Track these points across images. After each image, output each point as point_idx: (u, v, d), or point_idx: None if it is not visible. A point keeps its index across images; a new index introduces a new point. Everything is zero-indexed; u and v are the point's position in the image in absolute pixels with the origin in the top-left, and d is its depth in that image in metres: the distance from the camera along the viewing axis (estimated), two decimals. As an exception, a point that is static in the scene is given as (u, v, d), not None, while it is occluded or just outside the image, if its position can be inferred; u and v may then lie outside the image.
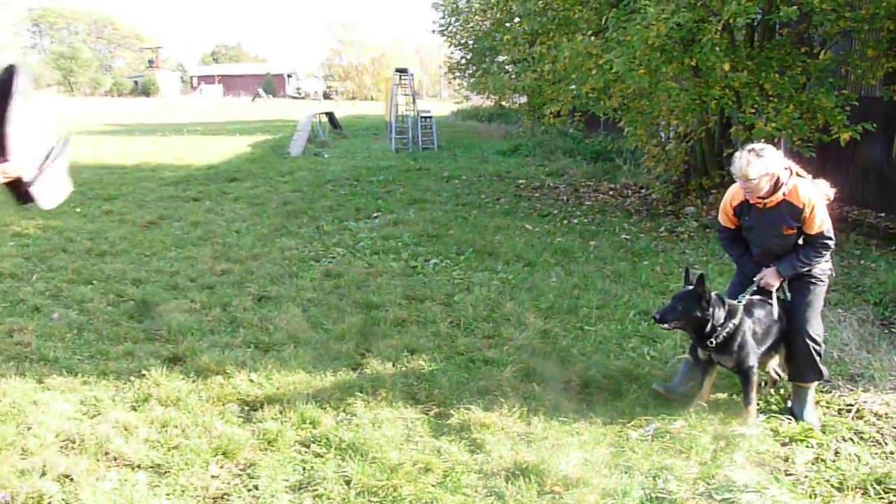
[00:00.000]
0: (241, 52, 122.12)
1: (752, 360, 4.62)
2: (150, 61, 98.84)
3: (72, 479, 3.89)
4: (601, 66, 9.61)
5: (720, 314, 4.52)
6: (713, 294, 4.54)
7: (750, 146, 4.53)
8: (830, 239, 4.60)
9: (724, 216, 4.89)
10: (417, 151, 19.84)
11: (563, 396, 4.94)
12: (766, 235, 4.70)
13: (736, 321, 4.55)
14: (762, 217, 4.65)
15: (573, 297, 6.97)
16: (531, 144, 20.11)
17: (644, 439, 4.39)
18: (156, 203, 12.03)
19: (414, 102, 22.85)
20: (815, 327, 4.73)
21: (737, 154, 4.54)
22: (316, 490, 3.83)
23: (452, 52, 23.86)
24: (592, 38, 10.38)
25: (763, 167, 4.41)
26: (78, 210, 11.34)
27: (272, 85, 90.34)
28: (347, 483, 3.88)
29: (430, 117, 21.58)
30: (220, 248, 8.95)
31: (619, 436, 4.45)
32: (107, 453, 4.16)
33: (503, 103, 18.94)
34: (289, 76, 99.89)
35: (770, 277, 4.74)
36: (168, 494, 3.79)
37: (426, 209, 11.41)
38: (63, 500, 3.72)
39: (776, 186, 4.52)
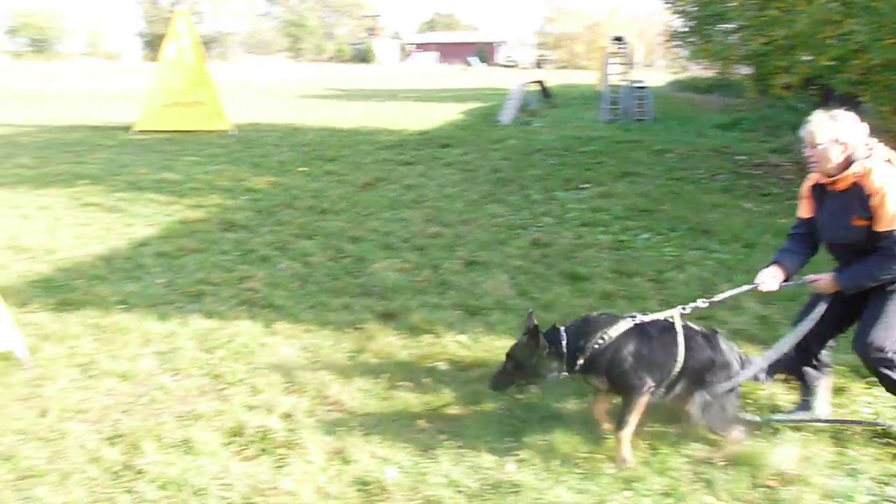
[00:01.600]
0: (455, 20, 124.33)
1: (635, 381, 3.80)
2: (370, 29, 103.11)
3: (293, 418, 4.18)
4: (842, 36, 8.79)
5: (562, 344, 3.86)
6: (543, 335, 3.87)
7: (832, 111, 3.92)
8: None
9: (801, 203, 4.22)
10: (630, 123, 19.26)
11: (779, 387, 4.62)
12: (834, 225, 3.96)
13: (605, 338, 3.83)
14: (832, 202, 3.96)
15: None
16: (754, 118, 18.87)
17: (867, 435, 4.03)
18: (372, 165, 12.58)
19: (629, 72, 22.17)
20: (886, 339, 3.85)
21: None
22: (518, 454, 3.85)
23: (673, 20, 22.81)
24: (834, 2, 9.51)
25: (834, 132, 3.78)
26: (302, 169, 12.10)
27: (484, 53, 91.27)
28: (549, 451, 3.87)
29: (645, 87, 20.85)
30: (431, 211, 9.21)
31: (840, 434, 4.10)
32: (326, 397, 4.42)
33: (725, 73, 17.89)
34: (500, 44, 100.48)
35: (824, 283, 4.00)
36: (380, 443, 3.96)
37: (637, 183, 11.06)
38: (286, 437, 3.99)
39: (848, 163, 3.82)
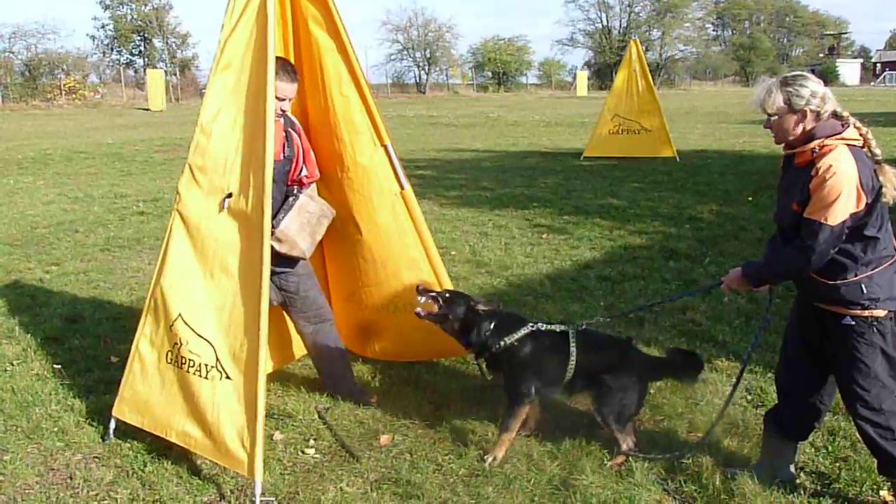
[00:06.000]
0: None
1: (523, 386, 4.06)
2: (831, 48, 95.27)
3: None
4: None
5: (486, 325, 4.16)
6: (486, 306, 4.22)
7: (784, 75, 3.31)
8: (815, 237, 3.13)
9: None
10: None
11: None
12: (780, 203, 3.46)
13: (513, 339, 4.09)
14: (788, 177, 3.42)
15: None
16: None
17: None
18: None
19: None
20: (872, 402, 3.30)
21: None
22: None
23: None
24: None
25: (785, 99, 3.22)
26: (750, 199, 11.53)
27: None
28: None
29: None
30: None
31: None
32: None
33: None
34: None
35: (731, 279, 3.61)
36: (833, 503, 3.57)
37: None
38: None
39: (809, 136, 3.20)
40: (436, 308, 4.29)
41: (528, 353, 4.14)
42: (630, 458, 4.00)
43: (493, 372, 4.41)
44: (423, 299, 4.32)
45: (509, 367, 4.17)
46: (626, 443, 4.06)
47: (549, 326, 4.23)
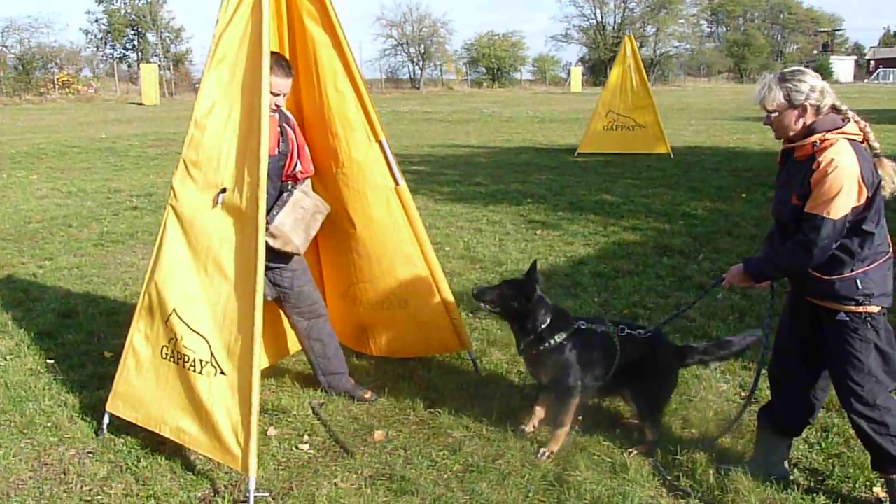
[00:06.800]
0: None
1: (573, 380, 4.06)
2: (825, 45, 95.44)
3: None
4: None
5: (544, 316, 4.13)
6: (542, 294, 4.18)
7: (782, 70, 3.32)
8: (817, 232, 3.13)
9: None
10: None
11: None
12: (778, 198, 3.47)
13: (562, 337, 4.09)
14: (787, 171, 3.41)
15: None
16: None
17: None
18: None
19: None
20: (867, 397, 3.30)
21: None
22: None
23: None
24: None
25: (785, 95, 3.23)
26: (744, 195, 11.56)
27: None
28: None
29: None
30: None
31: None
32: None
33: None
34: None
35: (733, 275, 3.63)
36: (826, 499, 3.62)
37: None
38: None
39: (809, 131, 3.22)
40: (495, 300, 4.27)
41: (577, 350, 4.14)
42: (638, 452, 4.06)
43: (533, 369, 4.38)
44: (483, 306, 4.33)
45: (557, 363, 4.14)
46: (654, 434, 4.12)
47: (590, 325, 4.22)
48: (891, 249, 3.37)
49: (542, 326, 4.14)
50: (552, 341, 4.11)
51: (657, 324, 4.79)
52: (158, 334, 4.04)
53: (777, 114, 3.30)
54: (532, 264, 4.33)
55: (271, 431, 4.37)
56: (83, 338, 5.84)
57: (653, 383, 4.19)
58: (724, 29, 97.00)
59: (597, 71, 72.01)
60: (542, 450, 4.07)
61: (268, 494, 3.73)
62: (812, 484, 3.78)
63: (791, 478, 3.80)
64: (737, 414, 4.08)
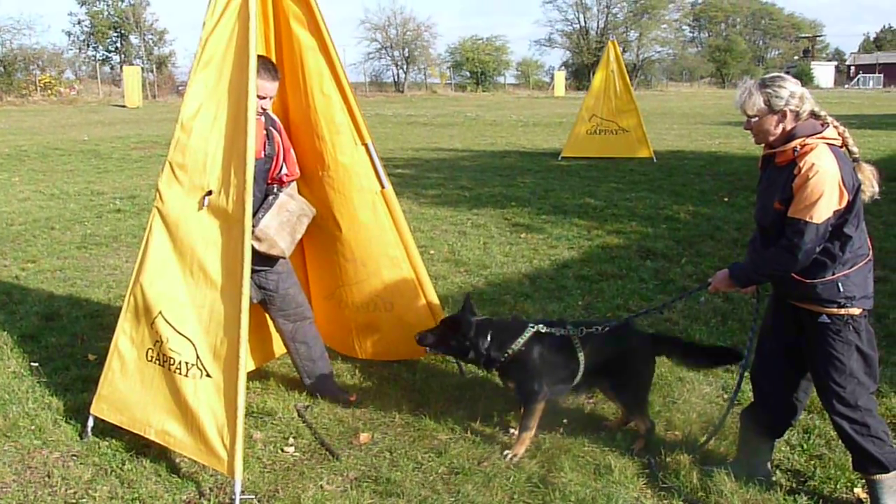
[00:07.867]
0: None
1: (535, 384, 4.09)
2: (806, 51, 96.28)
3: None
4: None
5: (484, 339, 4.15)
6: (479, 320, 4.25)
7: (762, 77, 3.39)
8: (801, 236, 3.17)
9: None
10: None
11: None
12: (760, 204, 3.51)
13: (518, 345, 4.12)
14: (768, 176, 3.46)
15: None
16: None
17: None
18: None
19: None
20: (848, 398, 3.36)
21: None
22: None
23: None
24: None
25: (764, 100, 3.27)
26: (726, 199, 11.65)
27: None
28: None
29: None
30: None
31: None
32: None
33: None
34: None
35: (718, 280, 3.64)
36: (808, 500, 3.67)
37: None
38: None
39: (790, 136, 3.26)
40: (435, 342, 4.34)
41: (535, 355, 4.16)
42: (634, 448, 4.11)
43: (505, 380, 4.38)
44: (429, 350, 4.40)
45: (518, 370, 4.18)
46: (645, 424, 4.17)
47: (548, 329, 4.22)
48: (871, 252, 3.43)
49: (486, 347, 4.17)
50: (509, 351, 4.15)
51: (627, 316, 4.84)
52: (144, 337, 4.04)
53: (757, 119, 3.35)
54: (465, 298, 4.43)
55: (257, 434, 4.36)
56: (67, 340, 5.81)
57: (630, 375, 4.22)
58: (707, 34, 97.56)
59: (580, 75, 72.15)
60: (506, 451, 4.10)
61: (253, 497, 3.73)
62: (794, 485, 3.82)
63: (773, 479, 3.84)
64: (721, 417, 4.12)
